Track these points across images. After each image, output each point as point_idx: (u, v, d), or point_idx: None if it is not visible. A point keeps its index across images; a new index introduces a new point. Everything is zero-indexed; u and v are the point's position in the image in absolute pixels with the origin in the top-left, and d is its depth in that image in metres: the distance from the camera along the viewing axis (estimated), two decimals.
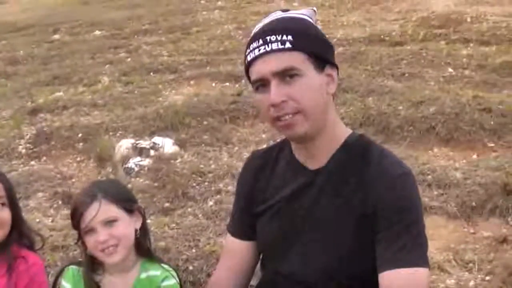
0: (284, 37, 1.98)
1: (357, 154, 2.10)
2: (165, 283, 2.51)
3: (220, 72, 8.73)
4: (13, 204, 2.69)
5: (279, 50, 1.99)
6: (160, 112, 7.13)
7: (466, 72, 8.17)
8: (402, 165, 2.08)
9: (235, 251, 2.42)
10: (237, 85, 8.07)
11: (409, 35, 10.31)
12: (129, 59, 10.71)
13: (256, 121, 6.85)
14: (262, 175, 2.29)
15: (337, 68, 2.11)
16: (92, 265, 2.55)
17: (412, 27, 10.98)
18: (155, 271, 2.54)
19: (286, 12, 2.11)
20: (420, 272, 1.95)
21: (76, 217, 2.44)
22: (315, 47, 2.02)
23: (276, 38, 1.99)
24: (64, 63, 11.16)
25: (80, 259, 2.72)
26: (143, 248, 2.57)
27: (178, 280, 2.56)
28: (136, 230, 2.52)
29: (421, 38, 10.07)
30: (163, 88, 8.45)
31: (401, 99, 6.90)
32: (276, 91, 1.99)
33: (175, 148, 6.24)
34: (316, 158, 2.13)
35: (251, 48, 2.04)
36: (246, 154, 6.09)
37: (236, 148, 6.33)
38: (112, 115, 7.42)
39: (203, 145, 6.40)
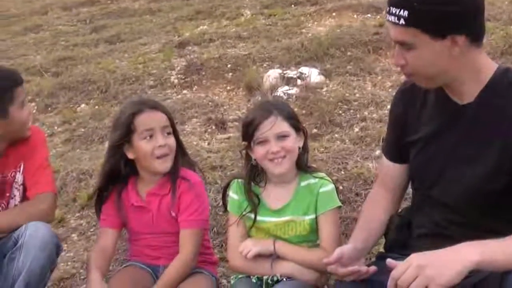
0: (401, 13, 2.11)
1: (503, 87, 2.19)
2: (322, 189, 2.82)
3: (361, 4, 8.68)
4: (175, 131, 3.05)
5: (395, 24, 2.14)
6: (305, 43, 7.26)
7: None
8: None
9: (389, 172, 2.63)
10: (378, 17, 8.03)
11: None
12: None
13: None
14: (413, 108, 2.43)
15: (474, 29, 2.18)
16: (255, 177, 2.89)
17: None
18: (313, 180, 2.85)
19: None
20: None
21: (251, 128, 2.76)
22: (431, 22, 2.11)
23: (395, 12, 2.13)
24: None
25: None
26: (302, 163, 2.89)
27: (334, 185, 2.86)
28: (299, 148, 2.83)
29: None
30: (306, 20, 8.53)
31: None
32: (396, 56, 2.23)
33: (321, 78, 6.42)
34: (464, 94, 2.24)
35: None
36: (389, 84, 6.21)
37: (379, 77, 6.42)
38: (258, 47, 7.63)
39: (347, 74, 6.53)
